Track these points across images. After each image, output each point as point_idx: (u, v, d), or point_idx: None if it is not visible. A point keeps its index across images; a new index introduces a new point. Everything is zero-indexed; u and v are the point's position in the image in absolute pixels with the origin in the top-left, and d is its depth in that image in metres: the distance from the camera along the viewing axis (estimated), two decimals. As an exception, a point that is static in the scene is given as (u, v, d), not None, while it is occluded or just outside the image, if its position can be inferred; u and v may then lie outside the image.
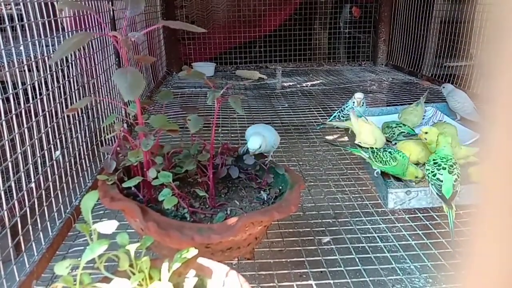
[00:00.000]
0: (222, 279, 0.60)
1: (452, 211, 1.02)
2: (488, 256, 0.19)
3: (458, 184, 1.06)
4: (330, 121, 1.70)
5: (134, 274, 0.57)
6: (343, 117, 1.66)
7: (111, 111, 1.44)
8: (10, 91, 0.81)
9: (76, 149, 1.12)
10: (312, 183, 1.33)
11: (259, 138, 0.94)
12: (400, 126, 1.51)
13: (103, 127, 1.29)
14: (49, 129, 0.96)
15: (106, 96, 1.41)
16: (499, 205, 0.18)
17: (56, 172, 0.99)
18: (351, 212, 1.15)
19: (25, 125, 0.84)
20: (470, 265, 0.20)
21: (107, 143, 1.34)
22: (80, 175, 1.14)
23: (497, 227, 0.18)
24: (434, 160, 1.13)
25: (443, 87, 1.75)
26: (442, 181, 1.07)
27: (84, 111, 1.19)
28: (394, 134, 1.49)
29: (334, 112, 1.74)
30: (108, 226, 0.52)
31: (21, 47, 0.92)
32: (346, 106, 1.67)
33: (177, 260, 0.59)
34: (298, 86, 2.58)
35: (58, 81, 1.02)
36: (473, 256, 0.19)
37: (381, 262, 0.94)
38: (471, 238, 0.19)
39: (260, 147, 0.94)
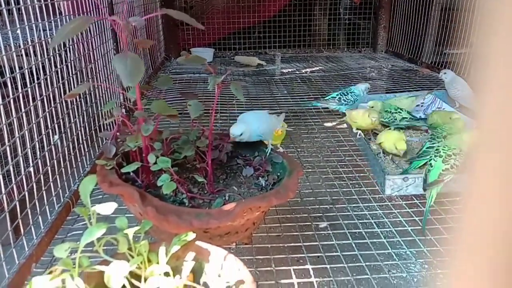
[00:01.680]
0: (220, 263, 0.60)
1: (431, 198, 1.03)
2: (477, 245, 0.19)
3: (449, 175, 1.06)
4: (326, 99, 1.72)
5: (132, 257, 0.57)
6: (345, 101, 1.67)
7: (110, 96, 1.43)
8: (7, 75, 0.80)
9: (75, 134, 1.12)
10: (310, 170, 1.33)
11: (241, 126, 0.94)
12: (400, 112, 1.51)
13: (102, 112, 1.28)
14: (47, 114, 0.95)
15: (105, 81, 1.40)
16: (488, 194, 0.18)
17: (54, 157, 0.99)
18: (348, 198, 1.15)
19: (23, 110, 0.84)
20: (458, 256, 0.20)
21: (106, 128, 1.34)
22: (79, 160, 1.14)
23: (485, 215, 0.18)
24: (438, 146, 1.14)
25: (444, 73, 1.74)
26: (432, 167, 1.08)
27: (82, 96, 1.18)
28: (395, 119, 1.49)
29: (332, 94, 1.75)
30: (107, 207, 0.53)
31: (18, 31, 0.91)
32: (350, 91, 1.68)
33: (175, 244, 0.59)
34: (297, 72, 2.57)
35: (56, 66, 1.01)
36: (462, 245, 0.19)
37: (378, 248, 0.95)
38: (459, 225, 0.19)
39: (241, 134, 0.94)
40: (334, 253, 0.92)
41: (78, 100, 1.16)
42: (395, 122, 1.49)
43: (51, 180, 0.96)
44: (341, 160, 1.39)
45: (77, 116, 1.14)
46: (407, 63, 2.69)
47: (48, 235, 0.90)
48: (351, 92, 1.68)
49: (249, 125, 0.95)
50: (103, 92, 1.38)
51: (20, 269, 0.79)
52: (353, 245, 0.94)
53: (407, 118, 1.50)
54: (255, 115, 1.03)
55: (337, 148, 1.48)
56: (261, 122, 0.99)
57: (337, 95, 1.71)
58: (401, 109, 1.53)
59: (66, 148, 1.06)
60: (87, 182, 0.57)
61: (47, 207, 0.93)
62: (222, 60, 2.93)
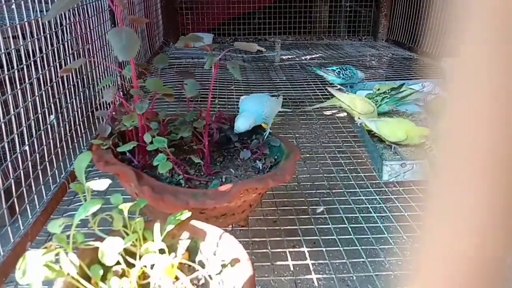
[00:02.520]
0: (215, 242, 0.60)
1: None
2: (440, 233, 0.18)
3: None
4: (327, 69, 1.79)
5: (127, 234, 0.57)
6: (342, 76, 1.73)
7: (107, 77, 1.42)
8: (2, 51, 0.79)
9: (71, 114, 1.11)
10: (308, 155, 1.33)
11: (246, 120, 0.91)
12: (381, 94, 1.55)
13: (98, 92, 1.27)
14: (43, 93, 0.94)
15: (102, 60, 1.38)
16: (453, 180, 0.17)
17: (50, 137, 0.98)
18: (345, 184, 1.15)
19: (18, 87, 0.83)
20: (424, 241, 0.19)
21: (103, 107, 1.32)
22: (75, 141, 1.14)
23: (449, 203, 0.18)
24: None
25: (445, 61, 1.73)
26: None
27: (79, 76, 1.17)
28: (377, 102, 1.52)
29: (333, 67, 1.79)
30: (101, 183, 0.52)
31: (14, 12, 0.89)
32: (350, 68, 1.72)
33: (171, 222, 0.59)
34: (297, 59, 2.55)
35: (52, 45, 0.99)
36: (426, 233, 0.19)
37: (374, 232, 0.95)
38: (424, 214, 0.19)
39: (249, 127, 0.93)
40: (330, 237, 0.92)
41: (75, 80, 1.14)
42: (380, 104, 1.51)
43: (46, 159, 0.96)
44: (339, 146, 1.39)
45: (73, 97, 1.13)
46: (408, 52, 2.68)
47: (44, 215, 0.90)
48: (350, 69, 1.74)
49: (254, 113, 0.94)
50: (101, 74, 1.36)
51: (15, 248, 0.79)
52: (349, 229, 0.94)
53: (387, 96, 1.52)
54: (257, 99, 1.01)
55: (335, 135, 1.47)
56: (265, 106, 0.98)
57: (337, 68, 1.78)
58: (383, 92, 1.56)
59: (62, 129, 1.05)
60: (82, 159, 0.56)
61: (42, 187, 0.93)
62: (221, 46, 2.91)
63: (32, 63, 0.89)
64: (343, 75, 1.76)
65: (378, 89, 1.57)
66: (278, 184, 0.80)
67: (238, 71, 0.70)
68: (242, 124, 0.91)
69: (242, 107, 0.98)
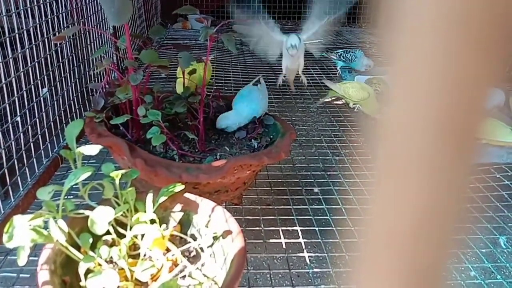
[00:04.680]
0: (208, 214, 0.59)
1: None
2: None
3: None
4: (333, 51, 1.86)
5: (119, 205, 0.56)
6: (343, 58, 1.80)
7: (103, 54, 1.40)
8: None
9: (65, 89, 1.09)
10: (304, 139, 1.32)
11: (234, 121, 0.91)
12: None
13: (94, 69, 1.25)
14: (36, 64, 0.92)
15: (95, 26, 1.36)
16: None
17: (43, 109, 0.97)
18: (340, 166, 1.15)
19: (10, 56, 0.81)
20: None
21: (97, 80, 1.30)
22: (69, 116, 1.12)
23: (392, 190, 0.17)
24: None
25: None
26: None
27: (74, 51, 1.15)
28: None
29: (339, 52, 1.83)
30: (92, 148, 0.51)
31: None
32: (352, 51, 1.75)
33: (163, 194, 0.58)
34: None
35: (46, 15, 0.97)
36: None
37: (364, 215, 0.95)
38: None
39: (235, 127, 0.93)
40: (324, 217, 0.92)
41: (69, 54, 1.12)
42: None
43: (39, 132, 0.94)
44: (336, 130, 1.38)
45: (68, 71, 1.11)
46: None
47: (35, 188, 0.89)
48: (352, 52, 1.76)
49: (249, 114, 0.93)
50: (96, 48, 1.34)
51: (5, 219, 0.78)
52: (343, 210, 0.94)
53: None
54: (249, 99, 0.97)
55: (332, 119, 1.47)
56: (259, 101, 0.95)
57: (341, 51, 1.85)
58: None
59: (56, 103, 1.04)
60: (73, 126, 0.55)
61: (34, 160, 0.92)
62: (220, 28, 2.87)
63: (25, 32, 0.87)
64: (344, 58, 1.81)
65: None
66: (273, 161, 0.79)
67: (233, 44, 0.69)
68: (223, 123, 0.90)
69: (237, 107, 0.95)
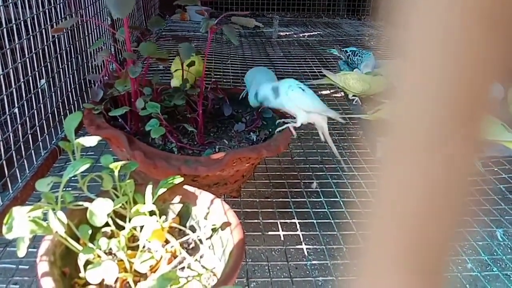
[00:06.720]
0: (207, 206, 0.60)
1: None
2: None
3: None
4: (342, 50, 1.77)
5: (118, 197, 0.56)
6: (351, 61, 1.69)
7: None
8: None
9: (63, 80, 1.09)
10: (302, 132, 1.32)
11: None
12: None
13: (92, 61, 1.25)
14: (34, 55, 0.92)
15: (93, 17, 1.35)
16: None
17: (41, 101, 0.96)
18: (339, 160, 1.15)
19: (7, 47, 0.80)
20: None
21: (95, 72, 1.30)
22: (67, 108, 1.12)
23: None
24: None
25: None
26: None
27: (72, 42, 1.14)
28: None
29: (348, 52, 1.76)
30: (91, 140, 0.51)
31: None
32: (361, 53, 1.67)
33: (162, 186, 0.58)
34: (295, 36, 2.51)
35: (43, 6, 0.96)
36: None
37: (365, 207, 0.95)
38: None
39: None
40: (321, 210, 0.92)
41: (67, 46, 1.12)
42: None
43: (37, 124, 0.94)
44: (335, 123, 1.38)
45: (66, 63, 1.11)
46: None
47: (34, 179, 0.88)
48: (359, 56, 1.65)
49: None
50: (94, 39, 1.33)
51: (3, 211, 0.78)
52: (341, 203, 0.94)
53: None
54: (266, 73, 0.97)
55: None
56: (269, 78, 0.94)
57: (350, 50, 1.71)
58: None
59: (54, 94, 1.03)
60: (72, 118, 0.55)
61: (33, 151, 0.91)
62: (219, 20, 2.86)
63: (22, 22, 0.87)
64: (351, 60, 1.69)
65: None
66: (272, 154, 0.79)
67: (234, 35, 0.68)
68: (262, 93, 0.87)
69: (251, 78, 0.94)
